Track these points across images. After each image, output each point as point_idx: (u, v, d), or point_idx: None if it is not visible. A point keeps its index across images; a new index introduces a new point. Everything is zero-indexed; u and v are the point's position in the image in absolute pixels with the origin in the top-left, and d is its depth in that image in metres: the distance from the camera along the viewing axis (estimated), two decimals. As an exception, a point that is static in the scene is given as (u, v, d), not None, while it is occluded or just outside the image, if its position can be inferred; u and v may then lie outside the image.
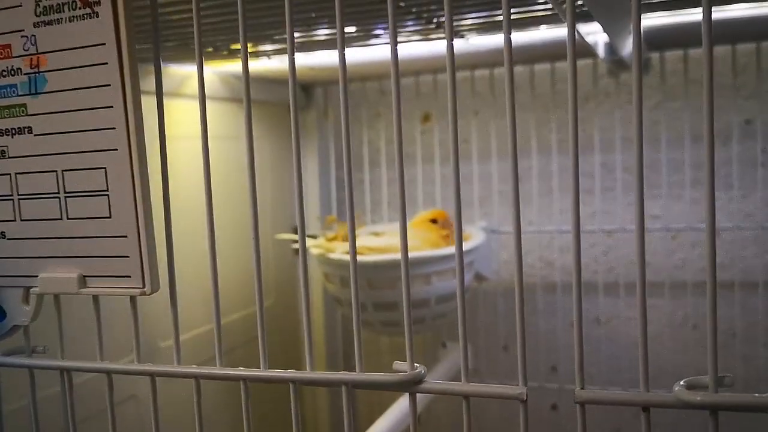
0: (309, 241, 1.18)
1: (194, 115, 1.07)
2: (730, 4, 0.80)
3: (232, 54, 0.97)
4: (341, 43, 0.44)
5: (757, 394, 0.34)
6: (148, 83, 0.49)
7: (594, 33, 0.89)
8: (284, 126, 1.40)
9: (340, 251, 1.11)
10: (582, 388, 0.38)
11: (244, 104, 0.47)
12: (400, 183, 0.43)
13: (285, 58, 1.06)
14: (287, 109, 1.45)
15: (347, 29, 0.83)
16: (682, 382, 0.36)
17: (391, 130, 1.40)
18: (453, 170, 0.43)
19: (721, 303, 1.21)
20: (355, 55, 1.08)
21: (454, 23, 0.82)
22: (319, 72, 1.24)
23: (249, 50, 0.97)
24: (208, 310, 1.10)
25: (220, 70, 1.14)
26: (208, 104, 1.08)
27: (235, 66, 1.12)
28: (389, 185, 1.41)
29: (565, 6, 0.64)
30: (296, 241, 1.32)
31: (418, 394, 0.43)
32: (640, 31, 0.37)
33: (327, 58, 1.09)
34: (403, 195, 0.43)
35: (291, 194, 1.42)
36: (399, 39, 0.91)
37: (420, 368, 0.43)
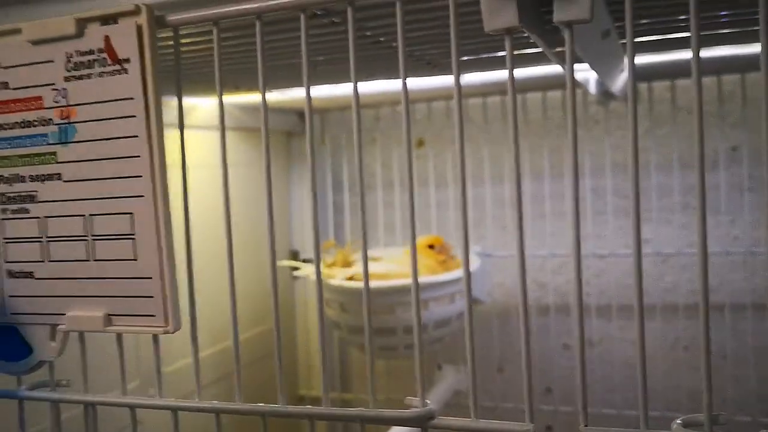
0: (308, 268, 1.21)
1: (198, 144, 1.10)
2: (715, 46, 0.83)
3: (236, 88, 1.00)
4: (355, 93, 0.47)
5: None
6: (165, 115, 0.51)
7: (584, 70, 0.93)
8: (281, 152, 1.43)
9: (339, 277, 1.13)
10: (586, 426, 0.41)
11: (262, 152, 0.50)
12: (412, 228, 0.46)
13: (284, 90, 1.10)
14: (284, 135, 1.47)
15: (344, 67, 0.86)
16: (679, 420, 0.38)
17: (385, 154, 1.43)
18: (461, 196, 0.46)
19: (711, 325, 1.23)
20: (351, 84, 1.11)
21: (445, 61, 0.85)
22: (316, 101, 1.27)
23: (247, 85, 1.00)
24: (211, 334, 1.11)
25: (224, 101, 1.17)
26: (209, 134, 1.12)
27: (236, 98, 1.15)
28: (385, 209, 1.44)
29: (556, 51, 0.67)
30: (295, 268, 1.35)
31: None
32: (635, 86, 0.40)
33: (324, 90, 1.13)
34: (414, 234, 0.46)
35: (288, 220, 1.45)
36: (391, 77, 0.94)
37: (431, 404, 0.46)
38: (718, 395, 1.22)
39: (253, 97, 1.14)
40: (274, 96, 1.16)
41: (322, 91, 1.15)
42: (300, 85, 1.06)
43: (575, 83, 0.42)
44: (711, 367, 0.38)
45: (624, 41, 0.70)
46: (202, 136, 1.08)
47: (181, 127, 0.51)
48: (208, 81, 0.93)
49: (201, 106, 1.10)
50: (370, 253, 1.32)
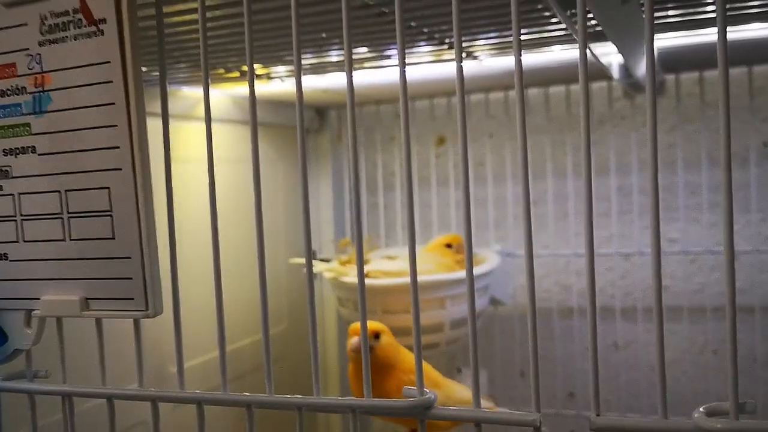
0: (322, 265, 1.17)
1: (205, 136, 1.06)
2: (744, 24, 0.78)
3: (243, 76, 0.96)
4: (349, 63, 0.43)
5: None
6: (157, 106, 0.48)
7: (608, 54, 0.88)
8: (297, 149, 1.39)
9: (353, 275, 1.10)
10: (598, 415, 0.37)
11: (250, 127, 0.46)
12: (410, 215, 0.42)
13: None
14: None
15: (359, 50, 0.82)
16: (701, 409, 0.34)
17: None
18: (463, 196, 0.42)
19: (741, 328, 1.20)
20: (369, 77, 1.07)
21: (467, 44, 0.81)
22: (333, 95, 1.23)
23: (260, 72, 0.97)
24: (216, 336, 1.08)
25: (232, 92, 1.14)
26: (221, 127, 1.08)
27: (247, 88, 1.11)
28: (404, 209, 1.40)
29: (573, 20, 0.63)
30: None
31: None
32: (653, 51, 0.36)
33: (340, 80, 1.08)
34: (413, 226, 0.42)
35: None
36: (411, 60, 0.91)
37: (430, 393, 0.42)
38: (748, 399, 1.17)
39: (266, 88, 1.10)
40: (289, 89, 1.12)
41: (338, 82, 1.11)
42: (316, 72, 1.03)
43: (587, 41, 0.38)
44: (737, 352, 0.33)
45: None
46: (213, 129, 1.04)
47: (164, 96, 0.48)
48: (213, 67, 0.90)
49: (211, 98, 1.06)
50: (388, 251, 1.28)
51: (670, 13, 0.67)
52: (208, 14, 0.62)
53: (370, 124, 1.40)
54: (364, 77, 1.07)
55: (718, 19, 0.35)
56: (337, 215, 1.45)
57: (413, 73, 1.04)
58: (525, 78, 1.18)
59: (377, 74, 1.04)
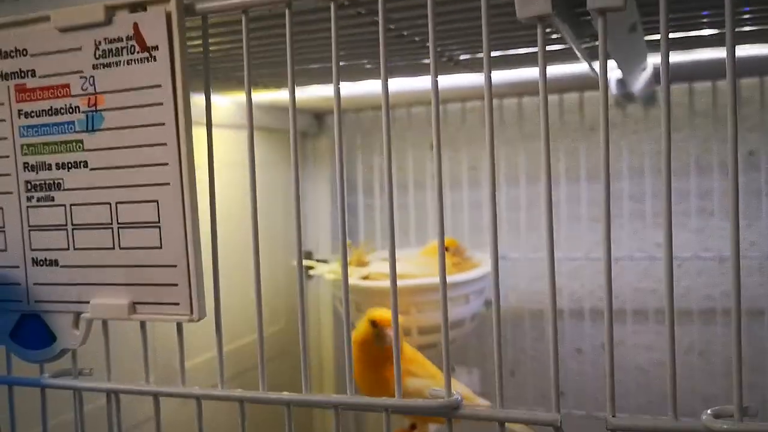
0: (324, 267, 1.21)
1: (216, 142, 1.09)
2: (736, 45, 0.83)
3: (256, 85, 0.99)
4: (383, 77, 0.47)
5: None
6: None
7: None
8: (298, 152, 1.43)
9: (353, 276, 1.13)
10: (614, 416, 0.41)
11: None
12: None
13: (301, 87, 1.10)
14: (299, 136, 1.47)
15: (361, 61, 0.86)
16: (709, 411, 0.38)
17: (401, 156, 1.43)
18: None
19: (726, 331, 1.24)
20: (367, 84, 1.11)
21: (467, 57, 0.85)
22: (332, 101, 1.27)
23: (264, 81, 1.00)
24: (227, 332, 1.11)
25: (237, 99, 1.17)
26: (225, 132, 1.11)
27: (254, 96, 1.15)
28: (399, 211, 1.44)
29: (584, 46, 0.67)
30: (309, 267, 1.35)
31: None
32: (668, 70, 0.40)
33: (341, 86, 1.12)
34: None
35: (304, 219, 1.44)
36: (411, 74, 0.94)
37: (456, 395, 0.46)
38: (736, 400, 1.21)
39: (272, 96, 1.14)
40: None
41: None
42: (315, 82, 1.06)
43: (605, 77, 0.42)
44: (741, 353, 0.37)
45: (648, 37, 0.70)
46: (219, 135, 1.07)
47: (209, 116, 0.52)
48: (227, 78, 0.93)
49: (219, 105, 1.10)
50: (384, 254, 1.32)
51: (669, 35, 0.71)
52: (231, 33, 0.66)
53: (369, 129, 1.44)
54: (364, 85, 1.10)
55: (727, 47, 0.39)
56: (335, 217, 1.49)
57: (413, 83, 1.08)
58: (521, 89, 1.22)
59: (374, 82, 1.08)
